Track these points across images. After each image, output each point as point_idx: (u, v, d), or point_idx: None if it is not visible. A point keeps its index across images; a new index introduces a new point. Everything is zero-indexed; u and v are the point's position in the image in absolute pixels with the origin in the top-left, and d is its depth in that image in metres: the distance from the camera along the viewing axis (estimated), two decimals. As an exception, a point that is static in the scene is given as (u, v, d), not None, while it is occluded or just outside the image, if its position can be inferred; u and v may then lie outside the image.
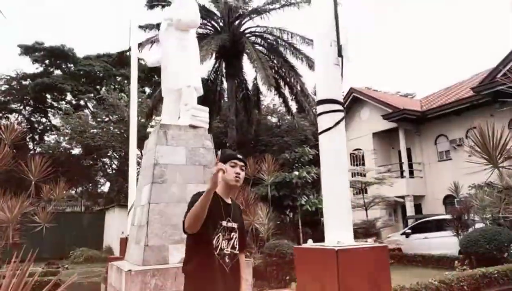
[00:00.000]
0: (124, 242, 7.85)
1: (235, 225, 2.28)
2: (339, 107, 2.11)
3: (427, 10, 68.90)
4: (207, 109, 5.14)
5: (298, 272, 2.11)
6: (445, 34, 65.92)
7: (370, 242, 2.16)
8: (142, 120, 21.97)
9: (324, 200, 2.11)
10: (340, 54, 2.09)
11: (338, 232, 2.04)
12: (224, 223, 2.22)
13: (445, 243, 11.58)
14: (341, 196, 2.08)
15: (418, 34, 68.38)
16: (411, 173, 19.31)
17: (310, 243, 2.15)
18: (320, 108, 2.15)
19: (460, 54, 61.93)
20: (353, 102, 21.28)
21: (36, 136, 28.82)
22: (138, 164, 11.09)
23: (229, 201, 2.35)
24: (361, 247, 1.91)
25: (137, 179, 9.15)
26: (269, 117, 26.48)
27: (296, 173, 15.34)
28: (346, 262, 1.82)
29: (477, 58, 55.99)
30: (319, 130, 2.13)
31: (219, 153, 2.37)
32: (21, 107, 28.51)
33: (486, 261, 8.54)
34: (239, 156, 2.32)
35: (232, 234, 2.26)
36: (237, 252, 2.29)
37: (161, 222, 4.53)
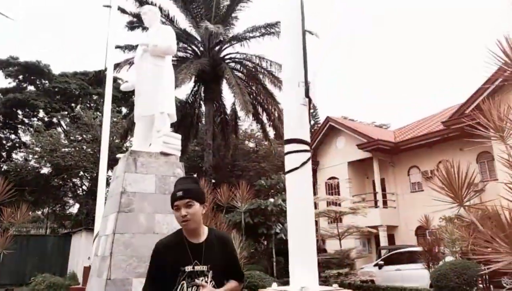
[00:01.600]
0: (87, 270, 7.45)
1: (204, 268, 2.00)
2: (306, 147, 2.08)
3: (405, 40, 72.10)
4: (179, 136, 5.04)
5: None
6: (423, 64, 68.83)
7: (335, 287, 2.09)
8: (117, 141, 21.53)
9: (290, 240, 2.05)
10: (307, 94, 2.07)
11: (303, 274, 1.96)
12: (188, 268, 1.98)
13: (416, 275, 11.61)
14: (306, 237, 2.03)
15: (396, 64, 71.14)
16: (385, 203, 19.54)
17: (274, 287, 2.06)
18: (287, 148, 2.12)
19: (437, 85, 64.61)
20: (329, 131, 21.60)
21: (4, 153, 27.70)
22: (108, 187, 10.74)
23: (200, 240, 2.06)
24: (326, 294, 1.84)
25: (105, 203, 8.85)
26: (246, 142, 26.51)
27: (272, 200, 15.25)
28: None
29: (454, 90, 58.44)
30: (286, 170, 2.09)
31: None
32: (-10, 123, 27.47)
33: (457, 295, 8.59)
34: (179, 194, 2.02)
35: (201, 278, 1.98)
36: None
37: (126, 254, 4.32)
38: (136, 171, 4.62)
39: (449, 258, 10.00)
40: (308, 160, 2.06)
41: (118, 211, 4.40)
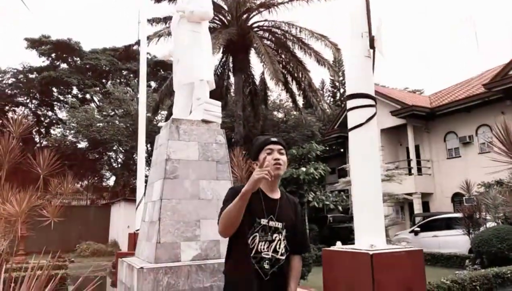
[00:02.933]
0: (132, 237, 7.80)
1: (279, 225, 1.93)
2: (371, 102, 1.99)
3: (437, 4, 68.11)
4: (219, 103, 5.03)
5: (326, 276, 2.00)
6: (456, 29, 65.13)
7: (404, 246, 2.05)
8: (148, 114, 21.92)
9: (355, 201, 2.00)
10: (372, 46, 1.96)
11: (371, 235, 1.92)
12: (263, 221, 1.90)
13: (454, 241, 11.44)
14: (373, 198, 1.97)
15: (428, 29, 67.67)
16: (419, 170, 19.13)
17: (339, 246, 2.04)
18: (350, 103, 2.03)
19: (472, 49, 61.18)
20: (360, 98, 21.06)
21: (43, 130, 28.91)
22: (145, 158, 11.01)
23: (275, 196, 2.00)
24: (396, 251, 1.80)
25: (145, 174, 9.10)
26: (275, 112, 26.33)
27: (303, 169, 15.23)
28: (381, 266, 1.71)
29: (489, 54, 55.23)
30: (349, 127, 2.02)
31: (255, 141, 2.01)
32: (28, 101, 28.59)
33: (499, 261, 8.41)
34: (273, 139, 1.99)
35: (275, 235, 1.90)
36: (282, 257, 1.92)
37: (173, 219, 4.44)
38: (179, 138, 4.67)
39: (491, 224, 9.75)
40: (374, 115, 1.98)
41: (164, 178, 4.49)
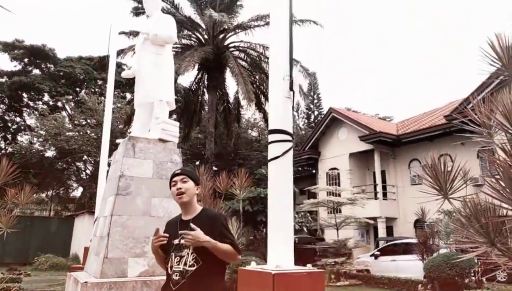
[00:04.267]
0: (87, 251, 7.68)
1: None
2: (288, 137, 2.20)
3: (413, 33, 71.30)
4: (177, 124, 5.17)
5: (240, 294, 2.16)
6: (431, 58, 68.19)
7: (308, 267, 2.24)
8: (120, 126, 21.72)
9: (269, 223, 2.19)
10: (291, 88, 2.19)
11: (280, 255, 2.11)
12: (176, 241, 2.23)
13: (411, 266, 11.79)
14: (284, 220, 2.16)
15: (404, 58, 70.50)
16: (385, 195, 19.67)
17: (253, 265, 2.20)
18: (271, 137, 2.24)
19: (445, 78, 64.04)
20: (332, 122, 21.64)
21: (9, 136, 28.01)
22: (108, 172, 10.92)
23: (188, 217, 2.32)
24: (298, 271, 1.99)
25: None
26: (249, 131, 26.60)
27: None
28: (282, 285, 1.89)
29: (461, 84, 57.97)
30: (269, 158, 2.22)
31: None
32: (-5, 105, 27.74)
33: (449, 286, 8.75)
34: (176, 172, 2.34)
35: (185, 250, 2.21)
36: (191, 268, 2.18)
37: (122, 235, 4.50)
38: (135, 156, 4.77)
39: (443, 250, 10.15)
40: (290, 149, 2.19)
41: (116, 194, 4.56)
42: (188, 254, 2.20)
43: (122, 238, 4.48)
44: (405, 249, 12.80)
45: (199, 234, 2.12)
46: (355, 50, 71.19)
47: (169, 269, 2.20)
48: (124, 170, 4.66)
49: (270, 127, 2.21)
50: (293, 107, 2.20)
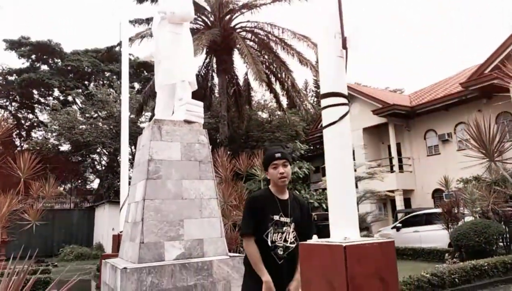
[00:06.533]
0: (116, 238, 7.75)
1: (287, 220, 2.37)
2: (344, 100, 2.08)
3: (418, 4, 69.46)
4: (201, 104, 5.08)
5: (303, 268, 2.08)
6: (437, 28, 66.56)
7: (377, 237, 2.15)
8: (132, 116, 21.70)
9: (329, 196, 2.09)
10: (344, 46, 2.05)
11: (345, 228, 2.02)
12: (276, 218, 2.34)
13: (435, 236, 11.73)
14: (346, 192, 2.06)
15: (409, 29, 68.93)
16: (401, 167, 19.50)
17: (315, 239, 2.13)
18: (324, 102, 2.12)
19: (451, 48, 62.63)
20: (343, 98, 21.31)
21: (23, 133, 28.30)
22: (129, 160, 10.94)
23: (284, 197, 2.45)
24: (368, 242, 1.89)
25: (129, 175, 9.05)
26: (259, 112, 26.42)
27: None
28: (354, 257, 1.80)
29: (468, 53, 56.66)
30: (323, 125, 2.10)
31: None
32: (7, 103, 27.95)
33: (476, 254, 8.68)
34: (277, 155, 2.40)
35: (285, 228, 2.34)
36: (291, 245, 2.35)
37: (156, 219, 4.47)
38: (162, 139, 4.70)
39: (468, 218, 10.04)
40: (347, 113, 2.07)
41: (146, 178, 4.51)
42: (289, 232, 2.35)
43: (156, 222, 4.45)
44: (426, 219, 12.72)
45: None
46: (360, 21, 69.74)
47: (268, 242, 2.29)
48: (153, 153, 4.60)
49: (322, 91, 2.08)
50: (346, 68, 2.06)
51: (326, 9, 2.14)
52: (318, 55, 2.23)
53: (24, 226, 7.76)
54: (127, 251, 4.81)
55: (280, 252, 2.30)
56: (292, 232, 2.35)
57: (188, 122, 4.88)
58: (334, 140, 2.07)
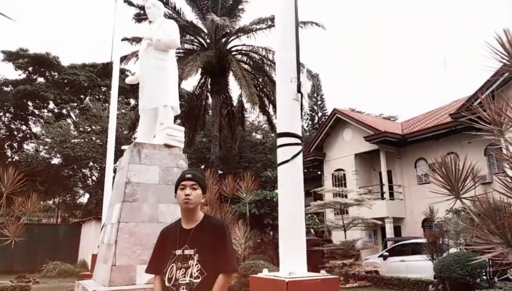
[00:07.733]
0: (95, 258, 7.67)
1: (192, 251, 2.13)
2: (297, 141, 2.16)
3: (418, 33, 71.08)
4: (182, 129, 5.15)
5: (252, 302, 2.11)
6: (434, 57, 67.90)
7: (322, 274, 2.18)
8: (125, 132, 21.77)
9: (280, 230, 2.14)
10: (299, 90, 2.15)
11: (292, 262, 2.06)
12: (178, 252, 2.12)
13: (421, 266, 11.65)
14: (296, 228, 2.11)
15: (407, 57, 70.27)
16: (392, 195, 19.53)
17: (265, 273, 2.16)
18: (280, 141, 2.20)
19: (450, 77, 63.69)
20: (336, 123, 21.56)
21: (15, 144, 28.19)
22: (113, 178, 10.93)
23: (190, 226, 2.20)
24: (311, 278, 1.93)
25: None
26: (253, 134, 26.59)
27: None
28: (297, 294, 1.84)
29: (466, 82, 57.60)
30: (278, 162, 2.18)
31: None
32: (1, 114, 27.93)
33: (459, 287, 8.63)
34: (187, 176, 2.21)
35: (190, 262, 2.11)
36: (196, 280, 2.09)
37: (130, 242, 4.47)
38: (140, 162, 4.75)
39: (453, 250, 10.02)
40: (299, 152, 2.14)
41: (122, 201, 4.53)
42: (193, 265, 2.10)
43: (130, 245, 4.45)
44: (414, 249, 12.65)
45: None
46: (356, 50, 71.09)
47: (170, 281, 2.08)
48: (130, 176, 4.63)
49: (279, 130, 2.16)
50: (301, 109, 2.15)
51: (286, 54, 2.24)
52: (276, 96, 2.33)
53: (3, 242, 7.65)
54: (99, 273, 4.78)
55: (183, 290, 2.06)
56: (196, 264, 2.10)
57: (168, 146, 4.94)
58: (287, 177, 2.14)
